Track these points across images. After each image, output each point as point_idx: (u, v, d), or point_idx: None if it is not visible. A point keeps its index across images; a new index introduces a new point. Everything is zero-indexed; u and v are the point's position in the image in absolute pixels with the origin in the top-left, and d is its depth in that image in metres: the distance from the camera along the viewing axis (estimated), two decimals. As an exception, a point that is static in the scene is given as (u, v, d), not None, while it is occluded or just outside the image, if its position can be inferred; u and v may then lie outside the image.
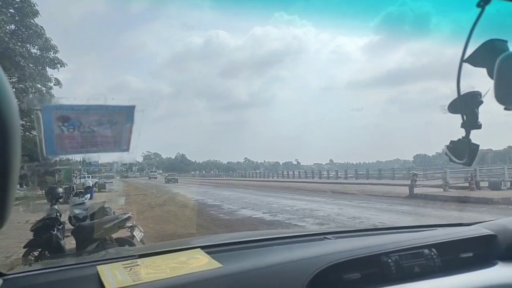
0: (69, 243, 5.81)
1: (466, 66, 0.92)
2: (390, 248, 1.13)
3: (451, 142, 0.99)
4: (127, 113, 0.75)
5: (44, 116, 0.68)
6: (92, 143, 0.74)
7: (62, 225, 5.85)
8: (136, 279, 0.99)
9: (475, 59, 0.91)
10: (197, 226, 9.39)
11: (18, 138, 0.48)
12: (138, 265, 1.11)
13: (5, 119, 0.45)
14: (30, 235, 5.60)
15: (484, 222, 1.46)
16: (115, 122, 0.74)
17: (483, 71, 0.91)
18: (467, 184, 16.00)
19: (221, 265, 1.05)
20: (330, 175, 38.96)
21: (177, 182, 40.74)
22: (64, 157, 0.75)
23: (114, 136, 0.76)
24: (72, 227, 6.46)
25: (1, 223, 0.53)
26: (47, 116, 0.68)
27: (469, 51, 0.90)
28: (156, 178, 59.29)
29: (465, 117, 0.96)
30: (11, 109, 0.46)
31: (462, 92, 0.95)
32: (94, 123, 0.73)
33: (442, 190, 15.57)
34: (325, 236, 1.47)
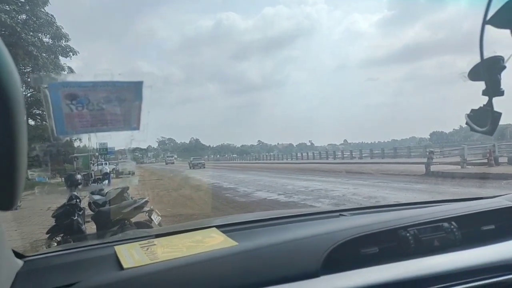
0: (90, 228, 5.98)
1: (488, 28, 0.87)
2: (408, 222, 1.10)
3: (472, 110, 0.95)
4: (135, 89, 0.74)
5: (52, 94, 0.67)
6: (101, 122, 0.73)
7: (82, 211, 6.01)
8: (153, 258, 1.00)
9: (499, 20, 0.85)
10: (212, 209, 9.52)
11: (23, 119, 0.48)
12: (154, 244, 1.12)
13: (10, 100, 0.45)
14: (52, 221, 5.77)
15: (505, 195, 1.42)
16: (124, 99, 0.73)
17: (507, 33, 0.86)
18: (485, 160, 15.66)
19: (236, 243, 1.05)
20: (345, 156, 38.67)
21: (205, 167, 34.88)
22: (75, 136, 0.74)
23: (124, 114, 0.74)
24: (92, 212, 6.63)
25: (13, 203, 0.53)
26: (55, 94, 0.68)
27: (491, 12, 0.85)
28: (173, 163, 56.13)
29: (486, 83, 0.92)
30: (15, 90, 0.46)
31: (484, 57, 0.90)
32: (103, 100, 0.71)
33: (459, 167, 15.29)
34: (341, 213, 1.45)
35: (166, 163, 56.64)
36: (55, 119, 0.69)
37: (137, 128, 0.78)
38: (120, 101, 0.73)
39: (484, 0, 0.87)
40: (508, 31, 0.86)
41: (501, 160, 15.82)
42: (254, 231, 1.26)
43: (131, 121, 0.76)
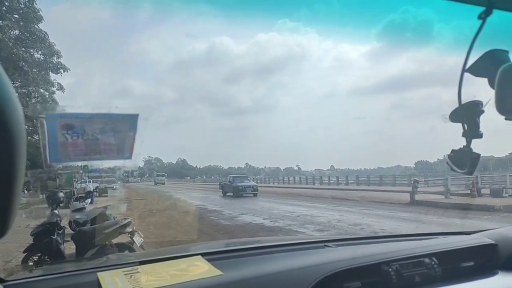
0: (69, 248, 5.80)
1: (467, 75, 0.93)
2: (391, 257, 1.12)
3: (452, 151, 0.99)
4: (130, 121, 0.76)
5: (49, 124, 0.69)
6: (95, 151, 0.74)
7: (62, 230, 5.85)
8: (137, 286, 0.99)
9: (477, 69, 0.91)
10: (197, 232, 9.36)
11: (23, 145, 0.48)
12: (138, 272, 1.11)
13: (10, 126, 0.45)
14: (30, 240, 5.60)
15: (485, 231, 1.46)
16: (119, 130, 0.75)
17: (485, 81, 0.92)
18: (468, 191, 15.93)
19: (221, 273, 1.05)
20: (331, 181, 38.83)
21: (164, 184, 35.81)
22: (66, 164, 0.75)
23: (117, 144, 0.76)
24: (72, 231, 6.46)
25: (5, 231, 0.53)
26: (52, 124, 0.69)
27: (470, 61, 0.91)
28: (164, 183, 49.26)
29: (466, 126, 0.97)
30: (16, 116, 0.46)
31: (463, 101, 0.95)
32: (98, 131, 0.73)
33: (443, 197, 15.50)
34: (326, 244, 1.47)
35: (156, 183, 50.18)
36: (50, 147, 0.70)
37: (129, 157, 0.79)
38: (115, 132, 0.74)
39: (467, 38, 0.93)
40: (485, 80, 0.92)
41: (483, 191, 16.12)
42: (239, 260, 1.26)
43: (124, 151, 0.78)
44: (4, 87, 0.45)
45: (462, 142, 1.00)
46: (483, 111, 0.98)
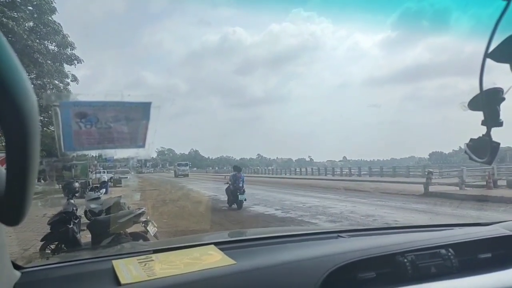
0: (85, 236, 5.93)
1: (488, 61, 0.90)
2: (406, 248, 1.11)
3: (471, 140, 0.96)
4: (143, 109, 0.76)
5: (62, 112, 0.69)
6: (108, 139, 0.75)
7: (78, 219, 5.98)
8: (151, 274, 1.00)
9: (499, 54, 0.88)
10: (210, 222, 9.46)
11: (37, 135, 0.49)
12: (152, 260, 1.12)
13: (25, 117, 0.46)
14: (47, 229, 5.74)
15: (503, 222, 1.43)
16: (132, 118, 0.75)
17: (506, 67, 0.89)
18: (484, 183, 15.66)
19: (234, 262, 1.06)
20: (344, 172, 38.64)
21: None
22: (80, 152, 0.76)
23: (130, 132, 0.76)
24: (88, 221, 6.59)
25: (20, 218, 0.54)
26: (65, 112, 0.69)
27: (493, 46, 0.88)
28: (187, 175, 41.17)
29: (486, 114, 0.94)
30: (31, 107, 0.47)
31: (484, 88, 0.92)
32: (111, 119, 0.73)
33: (458, 188, 15.27)
34: (339, 234, 1.46)
35: (177, 175, 41.66)
36: (64, 135, 0.71)
37: (143, 146, 0.79)
38: (128, 120, 0.75)
39: (485, 27, 0.90)
40: (508, 65, 0.88)
41: (500, 183, 15.83)
42: (252, 249, 1.26)
43: (137, 139, 0.78)
44: (19, 79, 0.46)
45: (478, 133, 0.97)
46: (504, 99, 0.94)
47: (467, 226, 1.56)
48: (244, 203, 12.18)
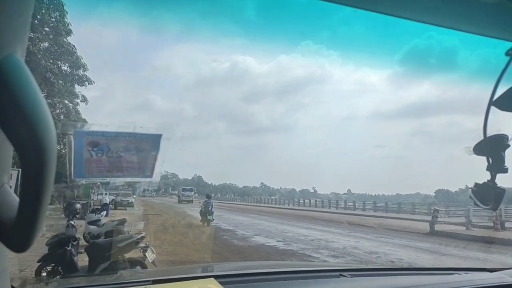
0: (82, 259, 5.84)
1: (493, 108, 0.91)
2: None
3: (476, 184, 0.96)
4: (154, 141, 0.77)
5: (76, 141, 0.71)
6: (118, 168, 0.76)
7: (76, 241, 5.91)
8: (149, 306, 0.99)
9: (503, 103, 0.90)
10: (210, 252, 9.30)
11: (53, 169, 0.49)
12: (151, 291, 1.10)
13: (44, 150, 0.46)
14: (45, 249, 5.67)
15: (508, 270, 1.40)
16: (142, 149, 0.77)
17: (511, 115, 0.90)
18: (491, 224, 15.33)
19: None
20: (348, 206, 38.09)
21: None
22: (89, 180, 0.77)
23: (139, 162, 0.78)
24: (86, 243, 6.52)
25: (27, 246, 0.54)
26: (79, 140, 0.71)
27: (497, 94, 0.89)
28: (191, 201, 36.50)
29: (490, 160, 0.94)
30: (50, 141, 0.47)
31: (488, 134, 0.93)
32: (122, 149, 0.75)
33: (464, 228, 14.95)
34: (341, 273, 1.43)
35: (180, 201, 38.12)
36: (75, 163, 0.72)
37: (150, 176, 0.81)
38: (138, 151, 0.76)
39: (492, 66, 0.92)
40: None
41: (507, 225, 15.47)
42: (252, 285, 1.24)
43: (145, 170, 0.79)
44: (43, 115, 0.47)
45: (485, 174, 0.97)
46: (508, 145, 0.95)
47: (472, 271, 1.52)
48: (246, 233, 13.43)
